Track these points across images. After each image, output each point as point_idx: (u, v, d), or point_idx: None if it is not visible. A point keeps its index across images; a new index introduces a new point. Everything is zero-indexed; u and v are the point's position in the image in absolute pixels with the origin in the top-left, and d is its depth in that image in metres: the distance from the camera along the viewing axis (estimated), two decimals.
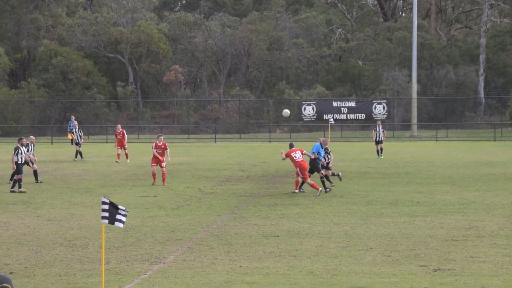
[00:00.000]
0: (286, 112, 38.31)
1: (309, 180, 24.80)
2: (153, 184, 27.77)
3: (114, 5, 77.94)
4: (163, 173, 27.85)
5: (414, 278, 12.99)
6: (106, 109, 70.40)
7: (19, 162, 26.05)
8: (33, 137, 29.26)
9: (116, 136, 39.25)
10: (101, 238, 13.08)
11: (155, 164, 28.02)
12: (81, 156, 39.20)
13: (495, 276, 13.08)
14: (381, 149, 39.69)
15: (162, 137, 28.56)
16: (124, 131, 39.87)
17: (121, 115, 70.83)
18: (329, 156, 26.01)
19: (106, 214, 11.89)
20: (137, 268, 13.94)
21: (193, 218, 20.02)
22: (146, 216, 20.43)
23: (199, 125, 69.12)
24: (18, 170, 25.84)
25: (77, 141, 39.54)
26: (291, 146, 26.16)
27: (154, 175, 27.98)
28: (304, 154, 25.52)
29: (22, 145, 26.51)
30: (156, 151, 27.86)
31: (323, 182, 24.85)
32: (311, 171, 25.02)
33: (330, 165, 26.06)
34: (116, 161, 37.88)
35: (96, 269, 13.79)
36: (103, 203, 12.06)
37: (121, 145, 38.47)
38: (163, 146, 27.88)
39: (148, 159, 40.77)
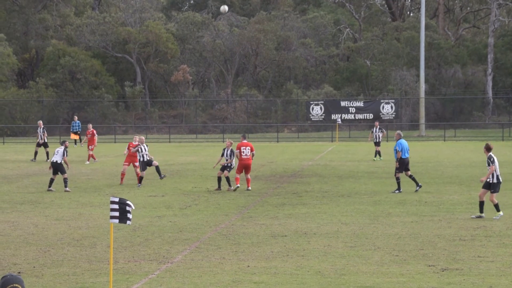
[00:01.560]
0: (224, 8, 37.19)
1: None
2: (120, 184, 27.75)
3: (122, 5, 78.06)
4: (137, 174, 27.76)
5: (421, 277, 12.98)
6: (114, 109, 70.51)
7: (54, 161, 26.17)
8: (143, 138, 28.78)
9: (86, 136, 39.45)
10: (109, 238, 13.11)
11: (127, 164, 28.05)
12: (47, 156, 38.93)
13: (503, 275, 13.06)
14: (379, 152, 38.19)
15: (138, 137, 28.45)
16: (95, 131, 39.97)
17: (129, 115, 70.94)
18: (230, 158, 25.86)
19: (115, 213, 11.93)
20: (145, 268, 13.98)
21: (201, 217, 20.05)
22: (154, 215, 20.47)
23: (207, 125, 69.18)
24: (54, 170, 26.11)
25: (42, 141, 39.20)
26: (244, 137, 26.32)
27: (123, 174, 28.03)
28: (252, 153, 25.65)
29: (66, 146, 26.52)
30: (131, 152, 27.83)
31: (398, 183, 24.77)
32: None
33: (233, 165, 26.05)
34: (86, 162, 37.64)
35: (104, 268, 13.83)
36: (112, 202, 12.10)
37: (91, 144, 38.58)
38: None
39: (156, 158, 40.83)
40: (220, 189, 25.85)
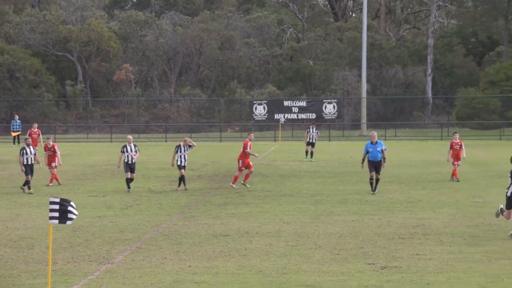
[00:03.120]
0: None
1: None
2: (52, 184, 27.35)
3: (63, 3, 76.94)
4: (52, 174, 27.42)
5: (361, 276, 13.12)
6: (55, 108, 69.53)
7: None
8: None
9: (30, 135, 38.48)
10: (48, 239, 12.92)
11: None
12: None
13: (440, 273, 13.29)
14: (312, 153, 37.88)
15: (51, 140, 28.16)
16: (40, 132, 39.35)
17: (70, 114, 70.02)
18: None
19: (55, 214, 11.75)
20: (84, 269, 13.81)
21: (143, 217, 19.91)
22: (94, 216, 20.24)
23: (149, 124, 68.72)
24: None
25: None
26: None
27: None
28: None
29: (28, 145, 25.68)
30: (47, 153, 27.48)
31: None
32: None
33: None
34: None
35: (42, 270, 13.62)
36: (51, 203, 11.92)
37: (35, 145, 37.70)
38: (52, 149, 27.39)
39: (97, 158, 40.38)
40: (180, 189, 25.51)
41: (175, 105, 70.42)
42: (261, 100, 65.17)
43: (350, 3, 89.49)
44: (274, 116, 63.31)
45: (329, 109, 63.78)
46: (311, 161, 37.38)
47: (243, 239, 16.66)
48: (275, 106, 64.08)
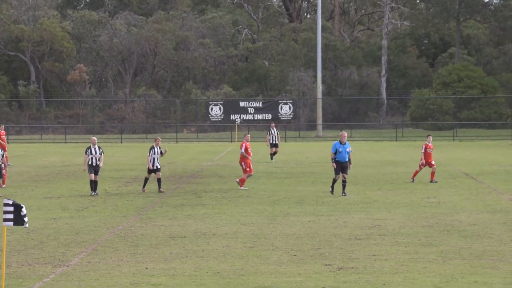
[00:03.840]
0: None
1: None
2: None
3: (14, 2, 75.88)
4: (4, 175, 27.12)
5: (318, 277, 13.20)
6: (7, 109, 68.58)
7: None
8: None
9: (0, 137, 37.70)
10: (2, 241, 12.74)
11: None
12: None
13: (396, 273, 13.43)
14: (275, 153, 37.57)
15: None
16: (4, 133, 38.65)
17: (23, 115, 69.12)
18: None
19: (9, 216, 11.60)
20: (39, 272, 13.64)
21: (98, 219, 19.74)
22: (49, 218, 20.01)
23: (104, 125, 68.16)
24: None
25: None
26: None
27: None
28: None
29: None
30: None
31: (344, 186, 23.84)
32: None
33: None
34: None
35: None
36: (6, 204, 11.76)
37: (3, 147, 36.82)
38: None
39: (52, 159, 39.93)
40: (145, 191, 25.21)
41: (130, 106, 69.97)
42: (217, 101, 65.13)
43: (305, 4, 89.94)
44: (230, 116, 63.33)
45: (285, 110, 64.03)
46: (272, 162, 36.83)
47: (200, 240, 16.63)
48: (231, 107, 64.10)
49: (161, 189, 25.30)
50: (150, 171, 25.37)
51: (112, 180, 29.45)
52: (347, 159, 24.05)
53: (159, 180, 25.42)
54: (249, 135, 27.94)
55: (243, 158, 26.42)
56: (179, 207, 21.87)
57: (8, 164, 36.02)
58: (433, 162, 27.88)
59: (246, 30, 77.75)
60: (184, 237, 17.07)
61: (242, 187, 26.01)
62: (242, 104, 64.22)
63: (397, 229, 17.99)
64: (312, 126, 66.25)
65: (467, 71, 68.15)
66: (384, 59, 73.14)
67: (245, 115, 63.54)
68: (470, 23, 78.67)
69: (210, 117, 64.18)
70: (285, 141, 57.25)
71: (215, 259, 14.64)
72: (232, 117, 62.94)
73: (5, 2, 77.81)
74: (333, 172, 24.53)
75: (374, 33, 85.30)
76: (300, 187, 26.65)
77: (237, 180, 26.58)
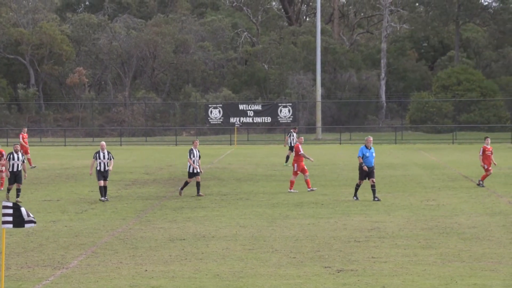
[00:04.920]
0: None
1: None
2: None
3: (14, 5, 75.91)
4: (2, 178, 27.07)
5: (318, 279, 13.20)
6: (7, 112, 68.58)
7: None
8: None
9: (22, 140, 37.48)
10: (1, 244, 12.74)
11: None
12: None
13: (395, 276, 13.43)
14: (288, 156, 37.10)
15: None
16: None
17: (23, 118, 69.11)
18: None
19: (8, 218, 11.61)
20: (38, 274, 13.64)
21: (98, 222, 19.74)
22: (48, 220, 20.01)
23: (104, 128, 68.15)
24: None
25: None
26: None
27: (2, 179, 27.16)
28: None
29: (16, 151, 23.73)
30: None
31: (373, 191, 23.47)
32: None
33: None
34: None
35: None
36: (5, 207, 11.77)
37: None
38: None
39: (51, 162, 39.93)
40: (201, 195, 24.66)
41: (130, 109, 69.97)
42: (216, 104, 65.13)
43: (304, 8, 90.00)
44: (229, 119, 63.32)
45: (284, 113, 64.03)
46: (284, 164, 36.67)
47: (199, 243, 16.63)
48: (230, 110, 64.10)
49: (200, 193, 24.70)
50: (191, 175, 24.76)
51: (111, 183, 29.42)
52: (373, 164, 23.64)
53: (198, 184, 24.80)
54: (302, 138, 27.39)
55: (298, 160, 26.13)
56: (179, 210, 21.87)
57: (33, 166, 35.82)
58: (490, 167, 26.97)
59: (245, 33, 77.79)
60: (184, 239, 17.07)
61: (290, 190, 25.77)
62: (241, 107, 64.22)
63: (397, 231, 18.00)
64: (311, 129, 66.25)
65: (467, 74, 68.19)
66: (383, 62, 73.18)
67: (244, 118, 63.52)
68: (469, 26, 78.74)
69: (210, 120, 64.18)
70: (284, 144, 57.22)
71: (214, 262, 14.64)
72: (232, 120, 62.93)
73: (5, 5, 77.86)
74: (357, 178, 24.00)
75: (373, 36, 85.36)
76: (299, 189, 26.64)
77: (309, 188, 26.07)
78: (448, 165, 35.99)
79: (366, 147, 23.73)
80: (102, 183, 23.92)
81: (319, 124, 63.34)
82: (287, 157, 37.60)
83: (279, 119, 63.90)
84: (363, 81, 73.97)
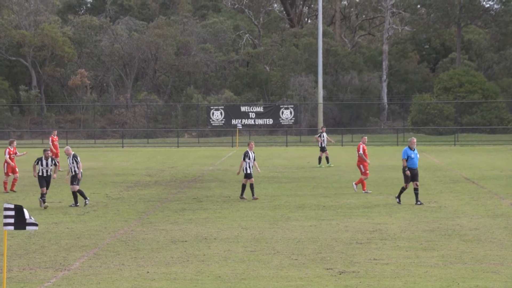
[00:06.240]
0: None
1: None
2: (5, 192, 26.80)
3: (15, 7, 75.98)
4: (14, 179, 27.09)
5: (320, 281, 13.19)
6: (8, 114, 68.62)
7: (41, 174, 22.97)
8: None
9: (52, 143, 37.27)
10: (3, 245, 12.74)
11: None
12: None
13: (397, 277, 13.43)
14: (327, 158, 37.13)
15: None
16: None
17: (24, 120, 69.15)
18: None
19: (10, 220, 11.62)
20: (40, 276, 13.65)
21: (100, 224, 19.74)
22: (50, 222, 20.02)
23: (105, 129, 68.16)
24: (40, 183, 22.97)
25: None
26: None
27: (5, 183, 27.05)
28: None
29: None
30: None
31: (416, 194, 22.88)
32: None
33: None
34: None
35: None
36: (6, 209, 11.78)
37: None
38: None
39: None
40: (244, 198, 24.36)
41: (132, 111, 70.00)
42: (218, 106, 65.14)
43: (306, 10, 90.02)
44: (231, 121, 63.32)
45: (286, 114, 64.03)
46: (330, 166, 36.53)
47: (201, 244, 16.63)
48: (232, 112, 64.11)
49: (255, 196, 24.41)
50: (247, 176, 24.45)
51: (113, 184, 29.46)
52: (417, 166, 23.10)
53: (251, 186, 24.51)
54: (365, 137, 27.39)
55: (362, 161, 26.08)
56: (180, 212, 21.87)
57: (59, 170, 35.66)
58: None
59: (247, 35, 77.82)
60: (185, 241, 17.07)
61: (364, 191, 25.69)
62: (243, 109, 64.23)
63: (398, 233, 17.99)
64: (313, 131, 66.22)
65: (468, 76, 68.15)
66: (385, 64, 73.16)
67: (246, 120, 63.53)
68: (471, 28, 78.70)
69: (211, 122, 64.19)
70: (286, 145, 57.27)
71: (216, 263, 14.64)
72: (233, 122, 62.93)
73: (6, 7, 77.93)
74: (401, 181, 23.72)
75: (375, 38, 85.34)
76: (301, 191, 26.65)
77: (354, 183, 26.16)
78: (450, 167, 35.98)
79: (410, 148, 23.11)
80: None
81: (320, 126, 63.31)
82: (320, 158, 37.45)
83: (280, 121, 63.89)
84: (365, 83, 73.94)
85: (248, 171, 24.51)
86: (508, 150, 50.92)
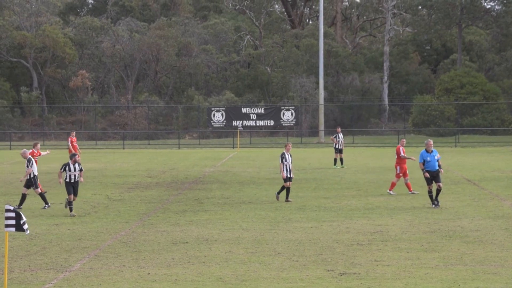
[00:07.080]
0: None
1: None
2: None
3: (17, 8, 76.04)
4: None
5: (321, 282, 13.20)
6: (9, 115, 68.66)
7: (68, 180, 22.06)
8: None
9: (71, 143, 37.21)
10: (4, 247, 12.76)
11: None
12: None
13: (398, 279, 13.43)
14: (341, 159, 36.99)
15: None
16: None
17: (25, 121, 69.19)
18: None
19: (11, 222, 11.65)
20: (41, 277, 13.66)
21: (101, 225, 19.76)
22: (51, 223, 20.03)
23: (107, 131, 68.20)
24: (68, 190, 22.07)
25: None
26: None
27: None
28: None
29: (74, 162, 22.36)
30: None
31: (431, 197, 22.71)
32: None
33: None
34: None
35: None
36: (7, 210, 11.80)
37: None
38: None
39: (54, 165, 39.95)
40: (290, 200, 24.09)
41: (133, 112, 70.03)
42: (219, 107, 65.15)
43: (307, 11, 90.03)
44: (232, 123, 63.34)
45: (287, 116, 64.04)
46: (343, 167, 36.54)
47: (202, 246, 16.64)
48: (233, 113, 64.12)
49: (289, 199, 24.17)
50: (287, 179, 24.13)
51: (114, 186, 29.47)
52: (437, 167, 22.73)
53: (288, 189, 24.22)
54: (404, 140, 27.47)
55: (400, 162, 26.00)
56: (181, 213, 21.88)
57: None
58: None
59: (248, 36, 77.84)
60: (186, 242, 17.08)
61: (390, 192, 25.68)
62: (244, 110, 64.23)
63: (399, 234, 17.99)
64: (314, 132, 66.25)
65: (469, 77, 68.15)
66: (386, 65, 73.17)
67: (247, 121, 63.54)
68: (472, 30, 78.72)
69: (212, 123, 64.21)
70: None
71: (217, 265, 14.65)
72: (234, 123, 62.95)
73: (8, 9, 77.98)
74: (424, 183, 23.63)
75: (376, 39, 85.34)
76: (302, 193, 26.66)
77: (388, 190, 25.96)
78: (451, 168, 35.97)
79: (427, 151, 22.82)
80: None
81: (321, 127, 63.33)
82: (335, 160, 37.33)
83: (281, 122, 63.89)
84: (366, 84, 73.94)
85: (288, 175, 24.06)
86: (509, 151, 50.91)
